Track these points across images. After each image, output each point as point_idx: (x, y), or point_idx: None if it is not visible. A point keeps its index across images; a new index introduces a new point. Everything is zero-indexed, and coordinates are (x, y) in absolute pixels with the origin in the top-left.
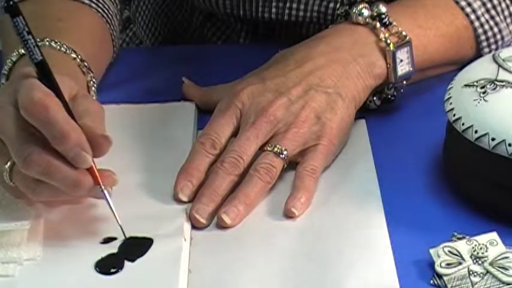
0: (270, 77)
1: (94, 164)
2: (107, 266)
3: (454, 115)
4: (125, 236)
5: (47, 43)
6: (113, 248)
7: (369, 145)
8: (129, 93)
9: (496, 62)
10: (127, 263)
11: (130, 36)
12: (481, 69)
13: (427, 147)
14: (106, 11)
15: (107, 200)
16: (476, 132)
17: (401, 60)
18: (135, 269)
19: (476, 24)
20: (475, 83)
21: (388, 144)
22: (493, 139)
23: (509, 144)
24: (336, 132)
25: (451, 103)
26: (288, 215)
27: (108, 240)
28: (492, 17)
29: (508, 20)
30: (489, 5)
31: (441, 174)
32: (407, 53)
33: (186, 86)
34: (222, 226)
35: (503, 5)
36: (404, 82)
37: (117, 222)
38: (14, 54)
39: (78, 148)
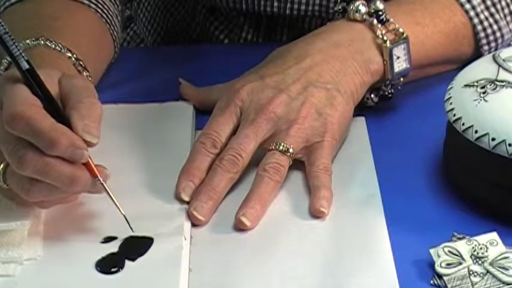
0: (269, 74)
1: (90, 157)
2: (108, 265)
3: (454, 115)
4: (131, 229)
5: (42, 42)
6: (113, 247)
7: (369, 145)
8: (129, 93)
9: (496, 62)
10: (127, 263)
11: (131, 35)
12: (481, 69)
13: (427, 147)
14: (106, 11)
15: (107, 191)
16: (476, 132)
17: (398, 57)
18: (136, 268)
19: (476, 21)
20: (475, 83)
21: (388, 144)
22: (493, 139)
23: (510, 144)
24: (337, 127)
25: (451, 103)
26: (318, 215)
27: (108, 239)
28: (492, 15)
29: (508, 18)
30: (489, 2)
31: (441, 174)
32: (404, 50)
33: (183, 86)
34: (240, 229)
35: (503, 3)
36: (402, 79)
37: (121, 213)
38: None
39: (71, 148)
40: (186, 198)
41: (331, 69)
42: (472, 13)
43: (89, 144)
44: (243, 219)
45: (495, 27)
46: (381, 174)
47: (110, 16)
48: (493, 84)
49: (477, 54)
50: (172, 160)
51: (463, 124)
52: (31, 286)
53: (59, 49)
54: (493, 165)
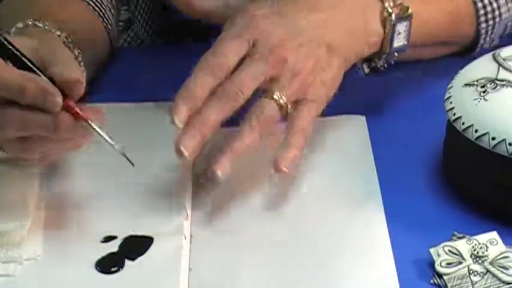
0: (284, 12)
1: (73, 103)
2: (108, 265)
3: (454, 114)
4: (132, 164)
5: (31, 22)
6: (113, 247)
7: (369, 144)
8: (129, 93)
9: (496, 61)
10: (127, 262)
11: (132, 36)
12: (481, 68)
13: (427, 147)
14: (98, 4)
15: (97, 131)
16: (476, 131)
17: (399, 33)
18: (136, 267)
19: None
20: (475, 82)
21: (388, 143)
22: (493, 138)
23: (510, 144)
24: (330, 90)
25: (451, 102)
26: (276, 171)
27: (108, 239)
28: None
29: None
30: None
31: (441, 173)
32: (406, 27)
33: None
34: (214, 179)
35: None
36: (396, 54)
37: (118, 150)
38: None
39: (41, 93)
40: (180, 125)
41: (337, 32)
42: None
43: (73, 88)
44: (217, 171)
45: (495, 5)
46: (381, 174)
47: (102, 9)
48: (493, 84)
49: (476, 35)
50: (172, 160)
51: (463, 123)
52: (31, 286)
53: (49, 29)
54: (493, 164)
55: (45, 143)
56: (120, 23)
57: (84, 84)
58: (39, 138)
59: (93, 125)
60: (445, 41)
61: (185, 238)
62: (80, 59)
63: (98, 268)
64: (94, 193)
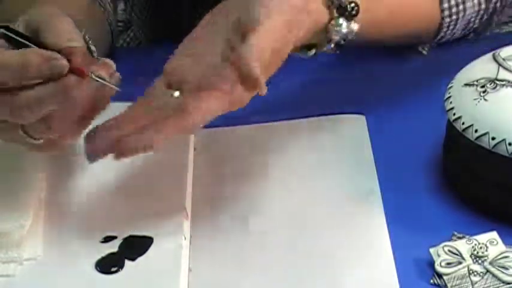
0: None
1: (72, 61)
2: (108, 265)
3: (454, 114)
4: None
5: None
6: (113, 247)
7: (369, 143)
8: (129, 93)
9: (496, 61)
10: (127, 262)
11: (131, 36)
12: (481, 68)
13: (427, 147)
14: None
15: (98, 80)
16: (476, 131)
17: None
18: (136, 268)
19: None
20: (475, 82)
21: (388, 143)
22: (493, 138)
23: (510, 144)
24: None
25: (451, 102)
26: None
27: (108, 239)
28: None
29: None
30: None
31: (441, 173)
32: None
33: None
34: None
35: None
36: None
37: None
38: None
39: (45, 62)
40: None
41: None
42: None
43: (73, 52)
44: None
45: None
46: (380, 174)
47: (102, 1)
48: (493, 84)
49: (439, 29)
50: (172, 159)
51: (463, 123)
52: (31, 286)
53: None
54: (493, 164)
55: (66, 112)
56: (120, 24)
57: (85, 44)
58: (59, 113)
59: (93, 75)
60: (404, 19)
61: (185, 238)
62: (86, 36)
63: (98, 268)
64: (94, 193)
